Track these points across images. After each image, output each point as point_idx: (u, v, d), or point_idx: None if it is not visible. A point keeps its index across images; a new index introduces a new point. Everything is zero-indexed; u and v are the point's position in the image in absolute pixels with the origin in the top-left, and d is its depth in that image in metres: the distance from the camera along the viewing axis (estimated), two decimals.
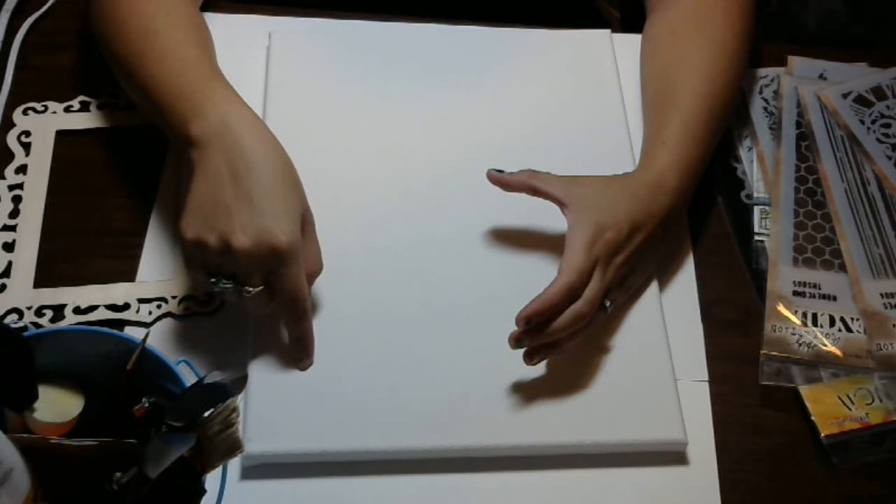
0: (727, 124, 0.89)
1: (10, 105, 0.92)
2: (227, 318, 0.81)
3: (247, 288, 0.72)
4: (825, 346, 0.82)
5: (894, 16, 1.45)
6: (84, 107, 0.92)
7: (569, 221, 0.77)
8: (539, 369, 0.77)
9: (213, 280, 0.73)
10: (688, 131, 0.83)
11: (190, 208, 0.72)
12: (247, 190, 0.71)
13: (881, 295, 0.85)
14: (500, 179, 0.81)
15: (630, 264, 0.78)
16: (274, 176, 0.73)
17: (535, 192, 0.80)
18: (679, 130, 0.83)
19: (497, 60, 0.95)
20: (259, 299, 0.73)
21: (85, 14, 0.89)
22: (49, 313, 0.80)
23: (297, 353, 0.77)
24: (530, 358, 0.75)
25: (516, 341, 0.74)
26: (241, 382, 0.65)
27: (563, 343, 0.75)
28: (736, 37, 0.89)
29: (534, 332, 0.74)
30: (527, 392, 0.77)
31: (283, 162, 0.74)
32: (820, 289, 0.85)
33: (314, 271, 0.76)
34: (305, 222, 0.75)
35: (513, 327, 0.74)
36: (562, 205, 0.79)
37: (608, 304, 0.77)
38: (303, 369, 0.76)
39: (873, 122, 0.95)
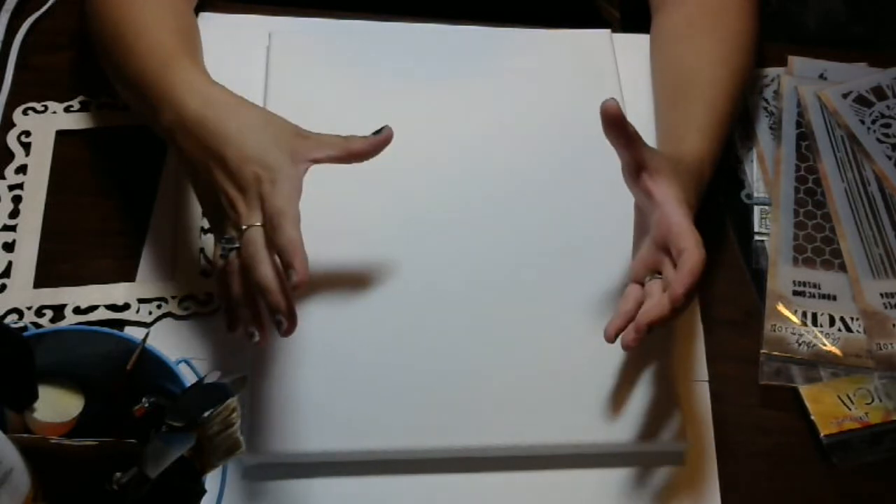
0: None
1: (10, 105, 0.92)
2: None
3: (246, 225, 0.69)
4: (825, 345, 0.82)
5: (894, 16, 1.45)
6: (84, 107, 0.92)
7: (660, 189, 0.72)
8: (539, 370, 0.77)
9: (221, 242, 0.71)
10: (714, 120, 0.83)
11: (194, 190, 0.74)
12: (226, 148, 0.71)
13: (881, 295, 0.85)
14: (621, 120, 0.72)
15: None
16: (248, 130, 0.72)
17: (633, 149, 0.73)
18: (708, 119, 0.82)
19: (497, 60, 0.95)
20: (256, 244, 0.69)
21: (81, 14, 0.90)
22: (49, 313, 0.80)
23: (287, 272, 0.68)
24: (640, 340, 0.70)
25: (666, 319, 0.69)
26: (241, 382, 0.65)
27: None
28: (751, 30, 0.90)
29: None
30: (527, 392, 0.77)
31: (251, 119, 0.73)
32: (820, 288, 0.85)
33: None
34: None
35: (510, 327, 0.74)
36: (647, 169, 0.73)
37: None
38: (293, 286, 0.67)
39: (873, 122, 0.95)
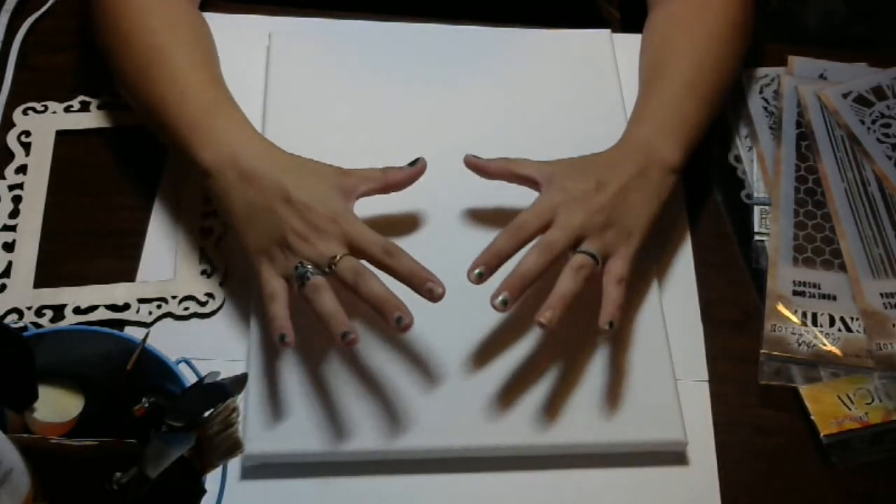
0: (719, 112, 0.89)
1: (10, 105, 0.92)
2: (227, 318, 0.81)
3: (330, 258, 0.73)
4: (825, 345, 0.82)
5: (894, 16, 1.44)
6: (84, 107, 0.92)
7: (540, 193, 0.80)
8: (539, 370, 0.77)
9: (297, 267, 0.74)
10: (667, 106, 0.84)
11: (240, 228, 0.77)
12: (291, 192, 0.76)
13: (881, 295, 0.85)
14: (478, 165, 0.82)
15: (604, 215, 0.77)
16: (305, 178, 0.77)
17: (512, 176, 0.82)
18: (657, 107, 0.84)
19: (497, 60, 0.95)
20: (351, 267, 0.73)
21: (86, 21, 0.89)
22: (49, 313, 0.80)
23: (426, 289, 0.74)
24: (512, 295, 0.74)
25: (478, 277, 0.75)
26: (241, 382, 0.65)
27: (533, 277, 0.75)
28: (731, 25, 0.89)
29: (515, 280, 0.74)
30: (526, 392, 0.77)
31: (302, 166, 0.79)
32: (820, 288, 0.85)
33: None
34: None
35: (510, 327, 0.74)
36: (537, 185, 0.80)
37: (589, 248, 0.76)
38: (437, 298, 0.73)
39: (873, 121, 0.95)
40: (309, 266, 0.73)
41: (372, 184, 0.80)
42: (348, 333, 0.71)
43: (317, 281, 0.73)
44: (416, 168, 0.81)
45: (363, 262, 0.74)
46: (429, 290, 0.73)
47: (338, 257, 0.73)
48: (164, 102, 0.81)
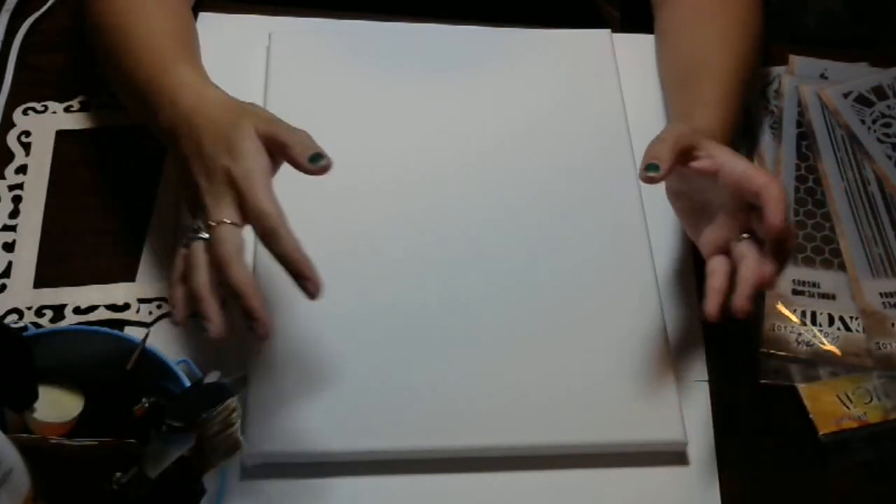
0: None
1: (10, 105, 0.92)
2: (228, 319, 0.81)
3: (215, 221, 0.67)
4: (824, 344, 0.82)
5: (895, 15, 1.44)
6: (84, 107, 0.92)
7: (714, 155, 0.73)
8: (539, 370, 0.77)
9: (193, 230, 0.69)
10: (723, 94, 0.83)
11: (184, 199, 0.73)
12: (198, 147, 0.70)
13: (880, 294, 0.85)
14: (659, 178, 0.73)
15: None
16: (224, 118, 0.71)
17: (683, 157, 0.74)
18: (716, 94, 0.83)
19: (497, 60, 0.95)
20: (228, 243, 0.66)
21: (80, 18, 0.90)
22: (49, 313, 0.80)
23: (302, 284, 0.66)
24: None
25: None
26: (241, 382, 0.65)
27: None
28: (756, 20, 0.90)
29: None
30: (527, 392, 0.77)
31: (230, 107, 0.72)
32: (819, 288, 0.85)
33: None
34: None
35: (510, 327, 0.74)
36: (693, 149, 0.74)
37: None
38: (313, 293, 0.66)
39: (874, 121, 0.95)
40: (200, 226, 0.68)
41: (289, 148, 0.70)
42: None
43: (196, 248, 0.67)
44: (318, 166, 0.71)
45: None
46: (303, 286, 0.66)
47: (215, 224, 0.67)
48: (126, 74, 0.80)
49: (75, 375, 0.69)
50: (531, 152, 0.88)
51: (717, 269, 0.73)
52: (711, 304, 0.70)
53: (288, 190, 0.84)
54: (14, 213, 0.86)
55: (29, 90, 0.93)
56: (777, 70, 0.99)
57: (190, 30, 0.87)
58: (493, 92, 0.93)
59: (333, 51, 0.94)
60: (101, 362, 0.68)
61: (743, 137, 0.94)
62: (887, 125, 0.95)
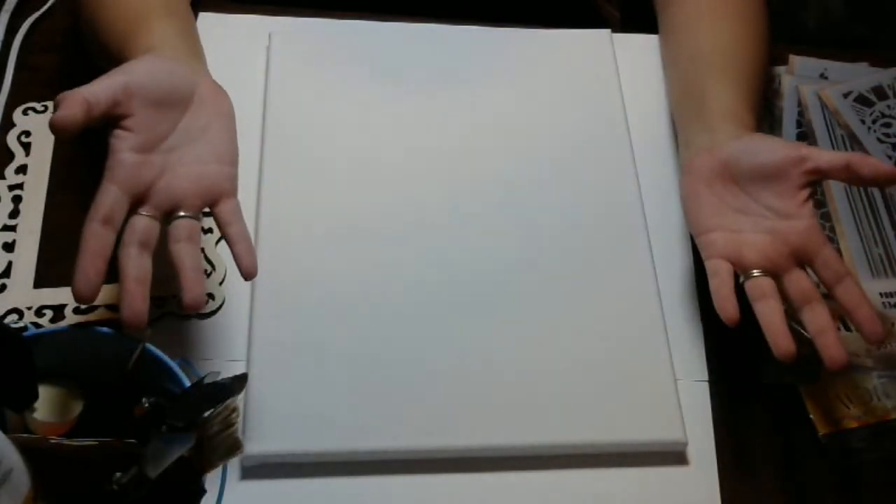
0: None
1: (10, 105, 0.92)
2: (227, 318, 0.81)
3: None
4: None
5: (895, 15, 1.44)
6: None
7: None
8: (539, 369, 0.77)
9: None
10: (746, 82, 0.85)
11: None
12: None
13: (880, 294, 0.85)
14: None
15: None
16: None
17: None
18: (738, 80, 0.84)
19: (497, 60, 0.95)
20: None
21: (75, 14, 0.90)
22: (49, 313, 0.80)
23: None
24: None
25: None
26: (241, 382, 0.65)
27: None
28: (762, 17, 0.91)
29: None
30: (526, 392, 0.77)
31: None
32: (819, 288, 0.85)
33: None
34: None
35: (510, 327, 0.74)
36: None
37: None
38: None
39: (874, 121, 0.95)
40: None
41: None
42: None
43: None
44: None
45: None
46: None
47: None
48: (101, 29, 0.81)
49: (75, 375, 0.69)
50: (531, 152, 0.88)
51: (720, 270, 0.76)
52: (731, 309, 0.73)
53: (288, 190, 0.85)
54: (14, 213, 0.85)
55: (29, 90, 0.93)
56: (777, 70, 0.99)
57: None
58: (493, 91, 0.93)
59: (333, 51, 0.94)
60: (101, 362, 0.68)
61: None
62: (887, 125, 0.95)
